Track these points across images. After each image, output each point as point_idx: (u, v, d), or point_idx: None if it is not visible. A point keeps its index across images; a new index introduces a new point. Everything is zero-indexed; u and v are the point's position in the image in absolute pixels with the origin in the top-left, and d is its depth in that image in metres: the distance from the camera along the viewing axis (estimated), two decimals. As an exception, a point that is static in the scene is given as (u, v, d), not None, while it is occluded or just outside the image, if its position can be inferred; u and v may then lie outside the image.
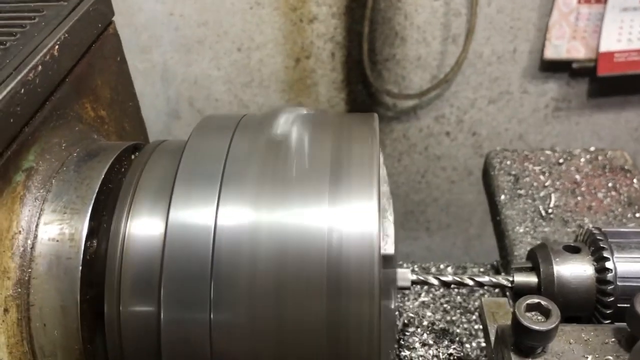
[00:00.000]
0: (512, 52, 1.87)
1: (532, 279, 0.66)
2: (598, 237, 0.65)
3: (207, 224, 0.57)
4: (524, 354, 0.54)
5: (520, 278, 0.67)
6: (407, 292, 0.97)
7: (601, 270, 0.64)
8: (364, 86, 1.93)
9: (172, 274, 0.56)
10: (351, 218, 0.56)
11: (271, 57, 1.86)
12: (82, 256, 0.59)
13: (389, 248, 0.73)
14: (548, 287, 0.64)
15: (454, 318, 0.91)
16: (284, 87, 1.93)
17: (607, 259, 0.63)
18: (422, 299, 0.95)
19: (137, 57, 1.87)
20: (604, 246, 0.64)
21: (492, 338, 0.60)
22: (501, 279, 0.67)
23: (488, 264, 1.07)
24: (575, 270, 0.64)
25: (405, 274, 0.71)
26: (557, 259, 0.65)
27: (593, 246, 0.66)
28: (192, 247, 0.56)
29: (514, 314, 0.53)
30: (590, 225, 0.68)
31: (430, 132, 2.05)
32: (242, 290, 0.55)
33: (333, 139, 0.62)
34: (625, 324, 0.55)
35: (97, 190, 0.62)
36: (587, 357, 0.54)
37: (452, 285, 0.69)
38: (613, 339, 0.55)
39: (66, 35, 0.67)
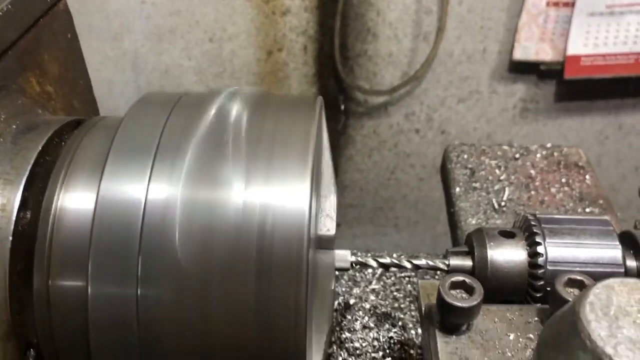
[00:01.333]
0: (482, 51, 1.89)
1: (467, 262, 0.67)
2: (532, 223, 0.67)
3: (137, 198, 0.56)
4: (448, 331, 0.55)
5: (455, 261, 0.67)
6: (358, 279, 0.97)
7: (533, 254, 0.65)
8: (336, 81, 1.94)
9: (100, 249, 0.56)
10: (283, 197, 0.55)
11: (243, 49, 1.86)
12: (12, 227, 0.58)
13: (328, 228, 0.74)
14: (481, 270, 0.65)
15: (402, 305, 0.91)
16: (255, 79, 1.92)
17: (539, 244, 0.65)
18: (372, 286, 0.96)
19: (107, 44, 1.85)
20: (537, 231, 0.65)
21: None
22: (438, 262, 0.68)
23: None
24: (508, 254, 0.65)
25: (344, 255, 0.71)
26: (492, 243, 0.66)
27: (527, 231, 0.67)
28: (121, 221, 0.56)
29: (438, 291, 0.54)
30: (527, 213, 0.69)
31: (400, 129, 2.06)
32: (170, 267, 0.55)
33: (272, 118, 0.62)
34: (548, 305, 0.56)
35: (32, 162, 0.62)
36: (509, 335, 0.55)
37: (391, 268, 0.70)
38: (536, 319, 0.56)
39: (9, 6, 0.66)
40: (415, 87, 1.96)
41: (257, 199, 0.56)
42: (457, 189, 1.12)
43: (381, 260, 0.70)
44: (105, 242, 0.56)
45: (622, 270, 0.63)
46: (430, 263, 0.68)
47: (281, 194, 0.56)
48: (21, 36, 0.70)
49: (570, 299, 0.49)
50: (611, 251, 0.64)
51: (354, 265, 0.71)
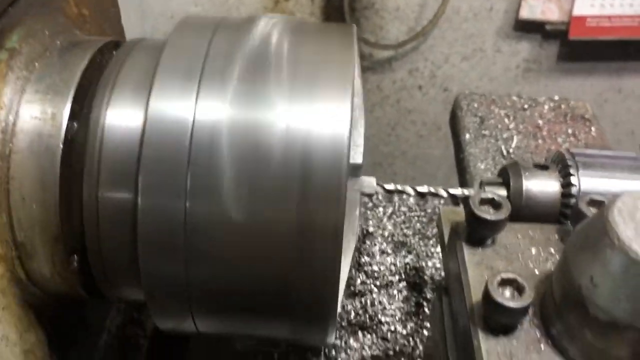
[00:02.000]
0: (488, 9, 1.90)
1: (502, 192, 0.70)
2: (566, 156, 0.70)
3: (185, 116, 0.58)
4: (475, 244, 0.59)
5: (490, 191, 0.71)
6: (369, 217, 1.01)
7: (566, 185, 0.68)
8: (342, 33, 1.95)
9: (151, 162, 0.58)
10: (325, 123, 0.58)
11: (250, -4, 1.86)
12: (63, 135, 0.61)
13: (357, 157, 0.77)
14: (516, 199, 0.69)
15: (412, 241, 0.95)
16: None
17: (572, 175, 0.68)
18: (384, 223, 1.00)
19: (115, -13, 1.84)
20: (571, 164, 0.69)
21: (447, 239, 0.64)
22: (472, 192, 0.71)
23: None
24: (542, 184, 0.69)
25: (370, 182, 0.75)
26: (527, 174, 0.69)
27: (561, 164, 0.70)
28: (171, 137, 0.58)
29: (468, 204, 0.57)
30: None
31: (403, 85, 2.08)
32: (217, 182, 0.57)
33: (311, 45, 0.64)
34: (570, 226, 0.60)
35: (79, 75, 0.64)
36: (531, 250, 0.59)
37: (426, 196, 0.73)
38: (556, 236, 0.60)
39: None
40: (421, 43, 1.97)
41: (300, 123, 0.58)
42: (467, 136, 1.15)
43: (418, 188, 0.73)
44: (155, 157, 0.58)
45: None
46: (465, 192, 0.71)
47: (322, 119, 0.58)
48: (61, -43, 0.71)
49: (591, 215, 0.53)
50: None
51: (388, 191, 0.74)
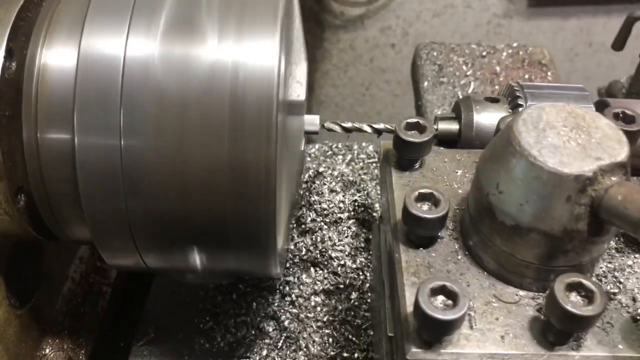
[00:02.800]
0: (458, -36, 1.91)
1: (454, 126, 0.72)
2: (515, 89, 0.72)
3: (117, 53, 0.59)
4: (403, 168, 0.61)
5: (443, 126, 0.73)
6: (329, 163, 1.03)
7: None
8: (312, -9, 1.94)
9: (84, 102, 0.59)
10: (253, 56, 0.58)
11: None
12: (0, 73, 0.62)
13: (300, 94, 0.78)
14: (467, 131, 0.71)
15: (368, 186, 0.97)
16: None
17: (521, 106, 0.70)
18: (342, 169, 1.02)
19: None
20: (520, 95, 0.71)
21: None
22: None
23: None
24: (492, 117, 0.71)
25: (313, 119, 0.76)
26: (478, 107, 0.71)
27: (510, 96, 0.72)
28: (103, 76, 0.59)
29: (395, 131, 0.59)
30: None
31: (376, 44, 2.09)
32: (150, 119, 0.59)
33: None
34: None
35: (14, 15, 0.64)
36: (457, 172, 0.61)
37: (382, 133, 0.74)
38: (483, 156, 0.62)
39: None
40: (392, 0, 1.97)
41: (229, 56, 0.59)
42: (425, 83, 1.17)
43: (375, 125, 0.74)
44: (89, 96, 0.59)
45: None
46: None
47: (251, 52, 0.59)
48: None
49: (511, 134, 0.55)
50: None
51: (323, 127, 0.76)
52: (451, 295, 0.46)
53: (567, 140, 0.47)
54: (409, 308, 0.48)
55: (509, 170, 0.47)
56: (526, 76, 1.19)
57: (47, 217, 0.70)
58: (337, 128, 0.75)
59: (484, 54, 1.23)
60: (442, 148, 0.63)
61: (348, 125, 0.75)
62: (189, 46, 0.60)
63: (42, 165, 0.65)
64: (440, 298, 0.46)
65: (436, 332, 0.46)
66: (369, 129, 0.75)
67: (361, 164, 1.06)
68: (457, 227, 0.56)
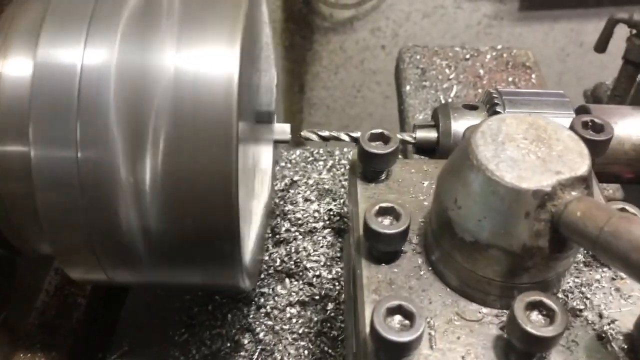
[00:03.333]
0: (447, -36, 1.89)
1: (432, 134, 0.71)
2: (494, 95, 0.71)
3: (73, 63, 0.58)
4: (369, 180, 0.59)
5: (421, 134, 0.72)
6: (309, 170, 1.01)
7: None
8: (302, -6, 1.93)
9: (40, 112, 0.57)
10: (212, 63, 0.57)
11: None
12: (-48, 89, 0.60)
13: (267, 102, 0.77)
14: (445, 139, 0.70)
15: (344, 185, 0.96)
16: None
17: (499, 113, 0.69)
18: (322, 176, 1.00)
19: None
20: (498, 102, 0.70)
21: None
22: (405, 136, 0.72)
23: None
24: (470, 124, 0.69)
25: (283, 128, 0.75)
26: (455, 115, 0.70)
27: (489, 103, 0.71)
28: (59, 85, 0.57)
29: (358, 142, 0.58)
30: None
31: (366, 45, 2.07)
32: (106, 130, 0.57)
33: None
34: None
35: (-27, 27, 0.63)
36: (423, 183, 0.59)
37: (329, 140, 0.73)
38: (449, 167, 0.61)
39: None
40: (382, 2, 1.96)
41: (188, 64, 0.57)
42: (408, 87, 1.15)
43: (352, 134, 0.73)
44: (44, 106, 0.57)
45: None
46: (398, 137, 0.71)
47: (211, 59, 0.57)
48: None
49: (477, 145, 0.53)
50: (566, 120, 0.68)
51: (300, 136, 0.74)
52: (408, 315, 0.44)
53: (527, 153, 0.46)
54: (368, 328, 0.47)
55: (467, 184, 0.46)
56: (510, 79, 1.17)
57: (9, 233, 0.68)
58: (314, 137, 0.74)
59: (468, 56, 1.22)
60: (410, 160, 0.61)
61: (325, 134, 0.74)
62: (147, 54, 0.58)
63: None
64: (397, 318, 0.45)
65: (393, 354, 0.45)
66: (346, 138, 0.73)
67: (342, 169, 1.05)
68: (421, 241, 0.54)
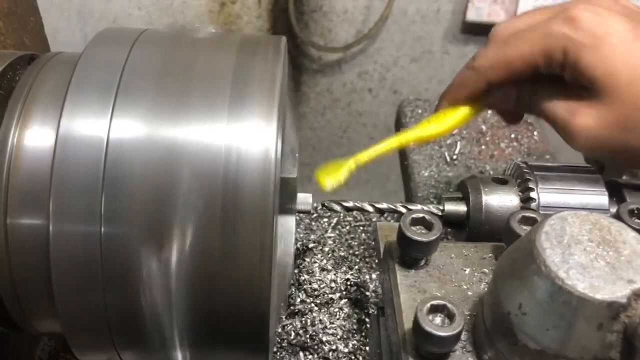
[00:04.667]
0: (436, 11, 1.91)
1: (462, 207, 0.69)
2: (525, 170, 0.69)
3: (99, 135, 0.54)
4: (407, 265, 0.57)
5: (450, 207, 0.70)
6: (314, 228, 0.99)
7: (526, 200, 0.67)
8: (290, 36, 1.91)
9: (62, 185, 0.54)
10: (248, 138, 0.55)
11: (195, 0, 1.81)
12: (-33, 162, 0.56)
13: (291, 171, 0.74)
14: (476, 215, 0.68)
15: (356, 252, 0.93)
16: (209, 31, 1.88)
17: (532, 190, 0.67)
18: (327, 234, 0.97)
19: (51, -10, 1.77)
20: (530, 178, 0.68)
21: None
22: (432, 208, 0.70)
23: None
24: (502, 199, 0.68)
25: (306, 198, 0.72)
26: (486, 189, 0.68)
27: (519, 178, 0.69)
28: (83, 159, 0.54)
29: (399, 226, 0.55)
30: (518, 160, 0.72)
31: (353, 88, 2.07)
32: (134, 205, 0.54)
33: (236, 57, 0.61)
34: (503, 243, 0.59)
35: (-16, 94, 0.59)
36: (465, 270, 0.57)
37: (385, 213, 0.71)
38: (490, 255, 0.59)
39: None
40: (369, 46, 1.96)
41: (221, 138, 0.55)
42: (411, 143, 1.14)
43: (377, 205, 0.71)
44: (67, 179, 0.54)
45: (608, 215, 0.66)
46: (425, 208, 0.69)
47: (245, 133, 0.55)
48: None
49: (522, 234, 0.51)
50: (598, 197, 0.68)
51: (324, 206, 0.72)
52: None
53: (595, 258, 0.44)
54: None
55: (534, 290, 0.44)
56: (512, 135, 1.17)
57: (13, 309, 0.64)
58: (337, 207, 0.71)
59: (470, 111, 1.21)
60: (450, 242, 0.59)
61: (350, 204, 0.71)
62: (177, 128, 0.55)
63: (10, 253, 0.59)
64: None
65: None
66: (370, 209, 0.71)
67: (347, 227, 1.02)
68: (470, 337, 0.52)
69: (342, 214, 1.05)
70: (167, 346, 0.61)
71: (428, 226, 0.56)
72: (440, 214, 0.70)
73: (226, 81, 0.58)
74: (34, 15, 0.82)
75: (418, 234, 0.55)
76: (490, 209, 0.67)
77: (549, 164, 0.72)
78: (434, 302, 0.48)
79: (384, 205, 0.71)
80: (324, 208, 0.71)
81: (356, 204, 0.71)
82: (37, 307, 0.62)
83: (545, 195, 0.67)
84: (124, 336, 0.59)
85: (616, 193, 0.70)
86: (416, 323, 0.48)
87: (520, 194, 0.68)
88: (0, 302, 0.62)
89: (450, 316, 0.48)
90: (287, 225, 0.73)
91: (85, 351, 0.63)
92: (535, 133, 1.18)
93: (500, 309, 0.47)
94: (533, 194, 0.67)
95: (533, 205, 0.67)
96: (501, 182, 0.70)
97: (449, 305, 0.48)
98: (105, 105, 0.56)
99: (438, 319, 0.49)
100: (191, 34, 0.65)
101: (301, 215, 0.94)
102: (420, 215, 0.56)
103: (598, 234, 0.45)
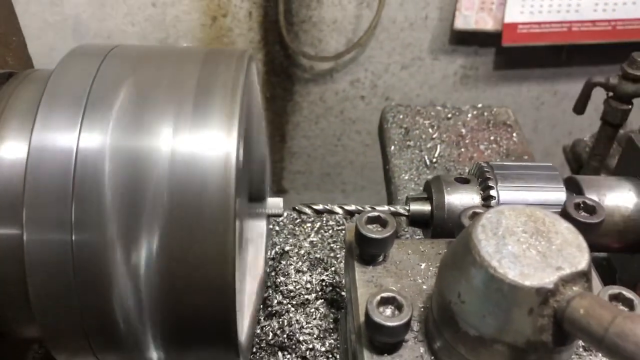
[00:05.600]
0: (424, 19, 1.94)
1: (426, 207, 0.72)
2: (485, 169, 0.72)
3: (69, 146, 0.58)
4: (366, 262, 0.59)
5: (415, 207, 0.72)
6: (297, 233, 1.01)
7: (486, 198, 0.70)
8: (281, 47, 1.95)
9: (34, 196, 0.57)
10: (211, 144, 0.57)
11: (187, 14, 1.85)
12: (-55, 174, 0.59)
13: (261, 176, 0.77)
14: (439, 213, 0.70)
15: (338, 255, 0.96)
16: (200, 44, 1.92)
17: (492, 188, 0.70)
18: (310, 239, 1.00)
19: (47, 10, 1.81)
20: (490, 177, 0.71)
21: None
22: (399, 208, 0.73)
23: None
24: (464, 198, 0.70)
25: (276, 202, 0.75)
26: (449, 189, 0.71)
27: (481, 177, 0.72)
28: (54, 169, 0.57)
29: (356, 225, 0.58)
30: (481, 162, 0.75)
31: (345, 96, 2.10)
32: (101, 213, 0.57)
33: (201, 68, 0.64)
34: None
35: (-37, 111, 0.62)
36: (421, 265, 0.60)
37: (355, 215, 0.73)
38: (446, 250, 0.61)
39: None
40: (360, 54, 1.99)
41: (184, 146, 0.58)
42: (392, 147, 1.17)
43: (346, 207, 0.73)
44: (39, 189, 0.57)
45: None
46: (392, 209, 0.72)
47: (208, 142, 0.58)
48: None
49: (471, 228, 0.54)
50: (557, 193, 0.70)
51: (295, 209, 0.74)
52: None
53: (527, 247, 0.46)
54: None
55: (470, 280, 0.46)
56: (492, 137, 1.19)
57: (-5, 316, 0.66)
58: (307, 210, 0.74)
59: (449, 115, 1.24)
60: (407, 239, 0.62)
61: (319, 207, 0.74)
62: (143, 137, 0.59)
63: None
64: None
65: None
66: (340, 211, 0.74)
67: (330, 231, 1.05)
68: (422, 328, 0.54)
69: (324, 219, 1.07)
70: (141, 347, 0.63)
71: (383, 224, 0.58)
72: (406, 213, 0.73)
73: (190, 91, 0.61)
74: (16, 35, 0.86)
75: (373, 232, 0.57)
76: (452, 208, 0.70)
77: (509, 163, 0.74)
78: (384, 294, 0.51)
79: (352, 207, 0.74)
80: (295, 211, 0.74)
81: (325, 206, 0.74)
82: (18, 314, 0.65)
83: (505, 192, 0.70)
84: (100, 339, 0.62)
85: (574, 188, 0.72)
86: (367, 315, 0.50)
87: (481, 192, 0.71)
88: (-21, 310, 0.65)
89: (399, 307, 0.51)
90: (257, 229, 0.76)
91: (65, 354, 0.65)
92: (514, 135, 1.20)
93: (443, 299, 0.49)
94: (493, 192, 0.70)
95: (493, 202, 0.69)
96: (463, 181, 0.72)
97: (397, 297, 0.51)
98: (75, 118, 0.59)
99: (388, 311, 0.51)
100: (160, 48, 0.68)
101: (277, 219, 0.96)
102: (376, 213, 0.58)
103: (532, 226, 0.48)
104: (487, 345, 0.47)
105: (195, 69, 0.63)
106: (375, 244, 0.57)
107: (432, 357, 0.52)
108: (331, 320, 0.82)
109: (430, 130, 1.20)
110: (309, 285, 0.84)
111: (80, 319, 0.60)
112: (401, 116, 1.23)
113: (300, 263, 0.87)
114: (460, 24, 1.90)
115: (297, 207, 0.75)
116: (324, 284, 0.84)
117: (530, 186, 0.70)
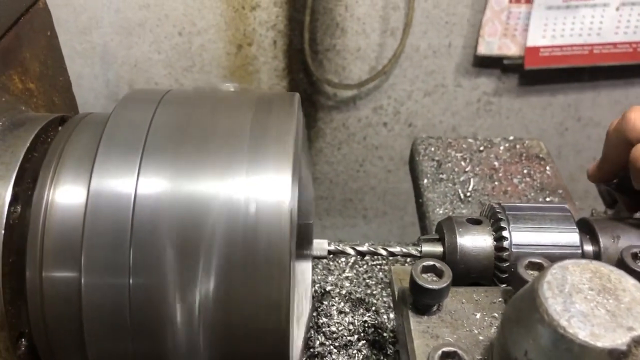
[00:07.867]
0: (447, 46, 1.95)
1: (438, 248, 0.72)
2: (497, 210, 0.72)
3: (127, 192, 0.59)
4: (420, 312, 0.59)
5: (427, 248, 0.72)
6: (332, 267, 1.01)
7: (499, 239, 0.70)
8: (305, 75, 1.97)
9: (93, 240, 0.58)
10: (266, 189, 0.59)
11: (213, 43, 1.88)
12: (4, 221, 0.60)
13: (307, 217, 0.78)
14: (451, 255, 0.70)
15: (374, 292, 0.96)
16: (225, 73, 1.94)
17: (504, 229, 0.70)
18: (346, 274, 1.00)
19: (75, 39, 1.85)
20: (502, 217, 0.71)
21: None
22: (411, 249, 0.73)
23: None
24: (476, 239, 0.70)
25: (321, 244, 0.75)
26: (460, 230, 0.71)
27: (493, 218, 0.72)
28: (112, 215, 0.58)
29: (411, 275, 0.58)
30: (493, 202, 0.75)
31: (368, 123, 2.11)
32: (159, 258, 0.58)
33: (253, 115, 0.65)
34: (511, 287, 0.61)
35: (21, 157, 0.63)
36: (476, 315, 0.60)
37: (367, 256, 0.74)
38: (500, 299, 0.61)
39: (-7, 6, 0.67)
40: (383, 82, 2.01)
41: (240, 192, 0.59)
42: (425, 181, 1.17)
43: (358, 248, 0.74)
44: (97, 234, 0.58)
45: (580, 252, 0.69)
46: (404, 250, 0.72)
47: (263, 186, 0.59)
48: (3, 35, 0.71)
49: (530, 280, 0.54)
50: (569, 235, 0.70)
51: (330, 253, 0.75)
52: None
53: (596, 306, 0.46)
54: None
55: (537, 338, 0.46)
56: (525, 171, 1.19)
57: (47, 358, 0.67)
58: (351, 251, 0.74)
59: (481, 148, 1.24)
60: (460, 288, 0.62)
61: (363, 248, 0.74)
62: (199, 183, 0.60)
63: (45, 305, 0.63)
64: None
65: None
66: (384, 252, 0.74)
67: (365, 266, 1.05)
68: (482, 380, 0.54)
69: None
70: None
71: (439, 274, 0.58)
72: (418, 255, 0.73)
73: (244, 138, 0.62)
74: (63, 75, 0.87)
75: (429, 282, 0.57)
76: (464, 249, 0.70)
77: (521, 204, 0.74)
78: (445, 349, 0.51)
79: (397, 249, 0.74)
80: (335, 254, 0.74)
81: (370, 247, 0.74)
82: (69, 357, 0.66)
83: (517, 234, 0.69)
84: None
85: (587, 230, 0.72)
86: (429, 370, 0.50)
87: (493, 233, 0.71)
88: (35, 353, 0.66)
89: (461, 362, 0.51)
90: (304, 270, 0.76)
91: None
92: (547, 168, 1.20)
93: (507, 355, 0.49)
94: (505, 233, 0.70)
95: (505, 244, 0.69)
96: (475, 222, 0.72)
97: (459, 351, 0.51)
98: (132, 164, 0.60)
99: (450, 365, 0.51)
100: (212, 93, 0.69)
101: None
102: (431, 263, 0.59)
103: (598, 282, 0.48)
104: (555, 405, 0.46)
105: (248, 115, 0.64)
106: (431, 295, 0.58)
107: (494, 412, 0.52)
108: (373, 362, 0.82)
109: (462, 163, 1.20)
110: (351, 327, 0.83)
111: (133, 362, 0.61)
112: (432, 148, 1.24)
113: (342, 303, 0.87)
114: (483, 49, 1.92)
115: (338, 248, 0.76)
116: (366, 325, 0.84)
117: (543, 227, 0.70)
